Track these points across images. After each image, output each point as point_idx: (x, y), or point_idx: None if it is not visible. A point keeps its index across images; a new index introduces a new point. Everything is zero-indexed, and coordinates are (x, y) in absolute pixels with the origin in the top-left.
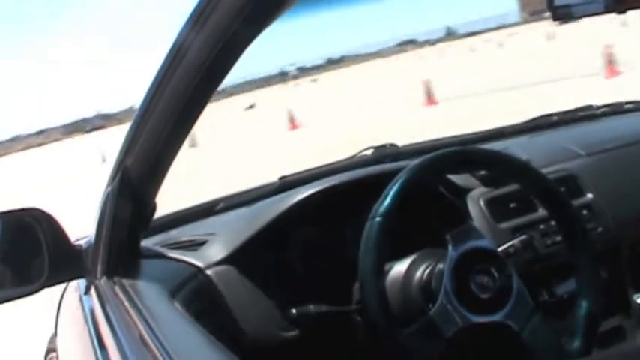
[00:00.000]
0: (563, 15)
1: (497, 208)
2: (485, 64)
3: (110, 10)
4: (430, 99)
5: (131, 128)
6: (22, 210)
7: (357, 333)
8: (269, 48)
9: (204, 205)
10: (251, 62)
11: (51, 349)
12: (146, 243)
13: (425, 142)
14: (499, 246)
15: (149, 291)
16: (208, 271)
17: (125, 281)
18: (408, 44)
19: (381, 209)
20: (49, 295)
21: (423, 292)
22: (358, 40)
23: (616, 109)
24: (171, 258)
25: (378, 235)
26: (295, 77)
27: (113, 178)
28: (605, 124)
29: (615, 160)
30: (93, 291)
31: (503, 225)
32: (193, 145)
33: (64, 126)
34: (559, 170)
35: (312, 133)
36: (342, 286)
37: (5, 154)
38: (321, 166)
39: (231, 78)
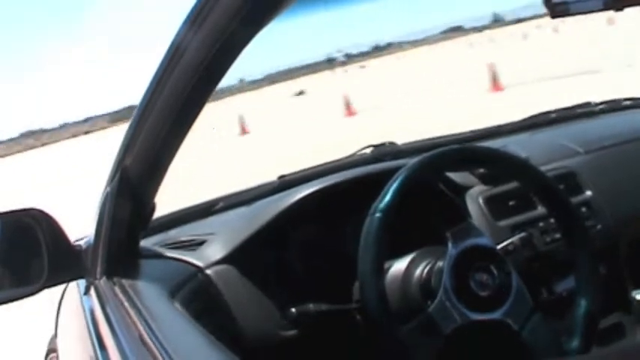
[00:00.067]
0: (560, 12)
1: (496, 206)
2: (543, 50)
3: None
4: (496, 85)
5: (130, 127)
6: (22, 210)
7: (357, 332)
8: (314, 34)
9: (203, 204)
10: (297, 49)
11: (51, 350)
12: (145, 243)
13: (424, 140)
14: (498, 244)
15: (149, 291)
16: (208, 271)
17: (125, 281)
18: (455, 31)
19: (381, 205)
20: (49, 295)
21: (423, 290)
22: (404, 27)
23: (614, 106)
24: (170, 258)
25: (378, 231)
26: (343, 64)
27: (112, 177)
28: (604, 121)
29: (614, 157)
30: (92, 291)
31: (503, 223)
32: (244, 132)
33: (110, 114)
34: (558, 168)
35: (371, 119)
36: (342, 284)
37: (54, 142)
38: (321, 165)
39: (275, 65)
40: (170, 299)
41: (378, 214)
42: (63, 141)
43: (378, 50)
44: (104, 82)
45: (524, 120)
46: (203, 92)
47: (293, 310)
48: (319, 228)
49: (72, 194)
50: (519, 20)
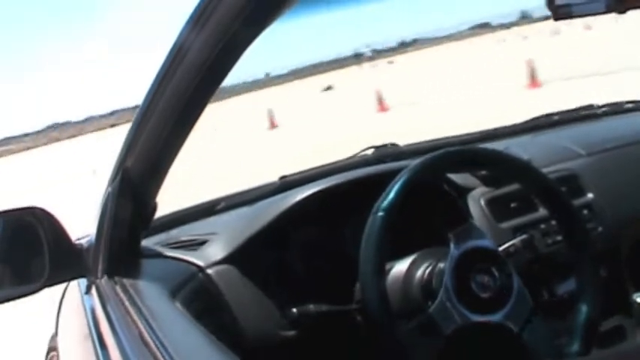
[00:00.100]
0: (563, 14)
1: (497, 208)
2: (576, 47)
3: None
4: (534, 81)
5: (132, 128)
6: (23, 209)
7: (357, 332)
8: (338, 29)
9: (204, 204)
10: (321, 44)
11: (52, 349)
12: (147, 243)
13: (425, 142)
14: (500, 245)
15: (150, 291)
16: (209, 271)
17: (126, 281)
18: (482, 28)
19: (384, 204)
20: (50, 294)
21: (424, 291)
22: (430, 23)
23: (616, 109)
24: (171, 257)
25: (380, 230)
26: (370, 59)
27: (114, 177)
28: (606, 124)
29: (616, 160)
30: (94, 290)
31: (504, 224)
32: (273, 126)
33: (136, 107)
34: (560, 170)
35: (405, 115)
36: (343, 285)
37: (80, 134)
38: (322, 166)
39: (300, 60)
40: (171, 299)
41: (380, 214)
42: (88, 134)
43: (403, 46)
44: (130, 75)
45: (527, 122)
46: (205, 92)
47: (294, 310)
48: (320, 229)
49: (96, 187)
50: (548, 17)
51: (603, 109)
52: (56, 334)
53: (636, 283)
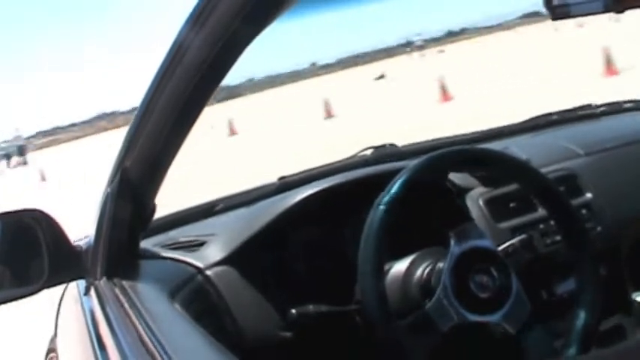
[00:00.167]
0: (561, 14)
1: (496, 208)
2: None
3: None
4: (610, 68)
5: (130, 128)
6: (22, 211)
7: (357, 333)
8: (390, 18)
9: (203, 205)
10: (370, 33)
11: (51, 350)
12: (146, 244)
13: (424, 142)
14: (498, 245)
15: (149, 292)
16: (208, 272)
17: (125, 282)
18: (532, 16)
19: (386, 199)
20: (49, 295)
21: (423, 290)
22: (479, 12)
23: (615, 109)
24: (170, 259)
25: (379, 229)
26: (420, 48)
27: (112, 178)
28: (605, 123)
29: (615, 160)
30: (93, 292)
31: (503, 225)
32: (330, 116)
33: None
34: (558, 169)
35: (471, 104)
36: (342, 286)
37: (126, 124)
38: (321, 166)
39: (346, 50)
40: (170, 300)
41: (382, 207)
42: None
43: (452, 35)
44: None
45: (525, 122)
46: (204, 92)
47: (293, 311)
48: (319, 229)
49: None
50: None
51: (602, 108)
52: (55, 335)
53: (636, 282)
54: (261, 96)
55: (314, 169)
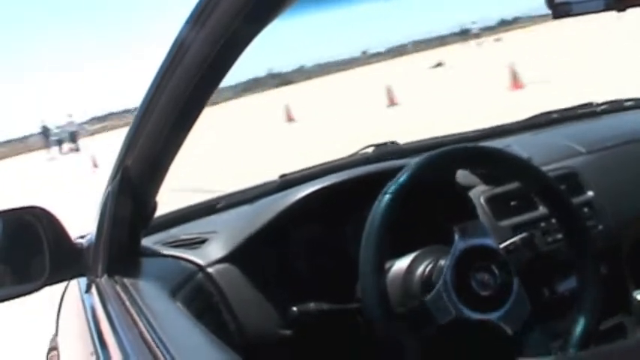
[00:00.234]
0: (562, 12)
1: (497, 206)
2: None
3: None
4: None
5: (132, 126)
6: (23, 208)
7: (358, 331)
8: (442, 6)
9: (205, 203)
10: (425, 21)
11: (52, 348)
12: (147, 241)
13: (425, 140)
14: (500, 244)
15: (150, 289)
16: (209, 270)
17: (126, 280)
18: None
19: (394, 187)
20: (50, 293)
21: (423, 287)
22: (531, 0)
23: (616, 107)
24: (171, 256)
25: (383, 220)
26: (477, 36)
27: (114, 176)
28: (606, 122)
29: (616, 158)
30: (94, 289)
31: (504, 223)
32: (393, 104)
33: (236, 85)
34: (560, 168)
35: (544, 93)
36: (344, 284)
37: None
38: (322, 164)
39: (397, 38)
40: (171, 298)
41: (388, 195)
42: None
43: (505, 24)
44: None
45: (527, 120)
46: (205, 91)
47: (294, 309)
48: (321, 227)
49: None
50: None
51: (603, 106)
52: (56, 333)
53: (636, 280)
54: (313, 83)
55: (315, 166)
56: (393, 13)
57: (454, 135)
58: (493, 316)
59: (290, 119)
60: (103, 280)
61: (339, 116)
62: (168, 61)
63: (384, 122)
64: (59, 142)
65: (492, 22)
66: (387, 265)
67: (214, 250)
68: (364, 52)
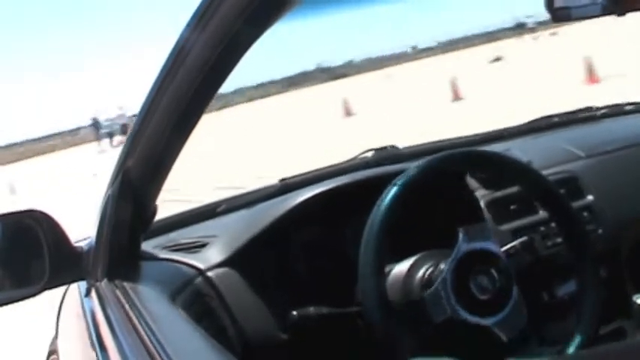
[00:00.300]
0: (562, 17)
1: (497, 210)
2: None
3: None
4: None
5: (133, 129)
6: (23, 212)
7: (358, 335)
8: (493, 1)
9: (204, 207)
10: (476, 16)
11: (52, 352)
12: (147, 245)
13: (425, 144)
14: (500, 248)
15: (150, 293)
16: (209, 274)
17: (126, 284)
18: None
19: (393, 190)
20: (50, 297)
21: (423, 288)
22: None
23: (616, 111)
24: (171, 260)
25: (386, 214)
26: (532, 30)
27: (114, 180)
28: (606, 126)
29: (616, 162)
30: (94, 293)
31: (504, 227)
32: (457, 98)
33: (284, 79)
34: (559, 172)
35: (622, 88)
36: (344, 287)
37: (228, 106)
38: (322, 168)
39: (447, 33)
40: (171, 302)
41: (395, 188)
42: (238, 105)
43: None
44: (279, 48)
45: (527, 124)
46: (206, 94)
47: (294, 313)
48: (320, 231)
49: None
50: None
51: (603, 111)
52: (56, 337)
53: (636, 284)
54: (365, 78)
55: (315, 170)
56: (443, 8)
57: (454, 139)
58: (489, 321)
59: (348, 113)
60: (103, 283)
61: (399, 111)
62: (170, 64)
63: (451, 117)
64: (110, 135)
65: (548, 16)
66: (387, 269)
67: (214, 254)
68: (414, 47)
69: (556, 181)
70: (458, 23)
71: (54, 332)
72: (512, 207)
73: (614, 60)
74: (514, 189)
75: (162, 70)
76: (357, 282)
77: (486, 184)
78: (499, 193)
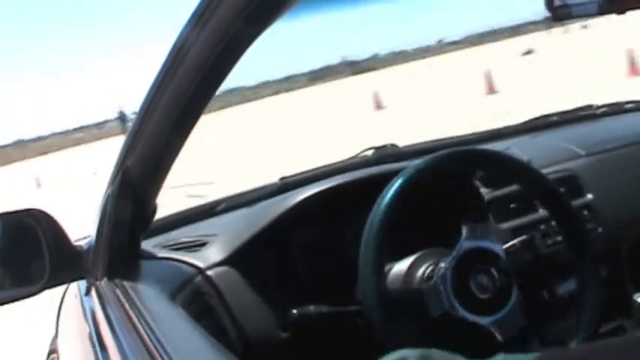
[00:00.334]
0: (562, 15)
1: (497, 209)
2: None
3: None
4: None
5: (132, 128)
6: (22, 211)
7: (357, 334)
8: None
9: (204, 206)
10: (504, 9)
11: (52, 350)
12: (147, 244)
13: (425, 143)
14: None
15: (150, 292)
16: (209, 272)
17: (126, 283)
18: None
19: (393, 189)
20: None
21: (423, 283)
22: None
23: (616, 109)
24: (171, 259)
25: (386, 213)
26: (561, 23)
27: (114, 179)
28: (606, 124)
29: (615, 160)
30: (93, 292)
31: (504, 225)
32: (492, 91)
33: (309, 72)
34: (559, 170)
35: None
36: (344, 286)
37: (254, 99)
38: (322, 167)
39: (472, 27)
40: (171, 300)
41: (387, 198)
42: (264, 98)
43: None
44: (302, 40)
45: (526, 122)
46: (205, 93)
47: (294, 311)
48: (320, 230)
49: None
50: None
51: (603, 109)
52: (56, 335)
53: (636, 283)
54: (390, 71)
55: (315, 169)
56: (469, 2)
57: (454, 138)
58: (486, 320)
59: (379, 107)
60: (103, 282)
61: (432, 104)
62: (169, 63)
63: (486, 110)
64: None
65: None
66: (387, 268)
67: (214, 253)
68: (439, 41)
69: (556, 179)
70: (483, 17)
71: (54, 331)
72: (512, 205)
73: None
74: (514, 188)
75: (161, 69)
76: (357, 281)
77: (486, 183)
78: (499, 192)
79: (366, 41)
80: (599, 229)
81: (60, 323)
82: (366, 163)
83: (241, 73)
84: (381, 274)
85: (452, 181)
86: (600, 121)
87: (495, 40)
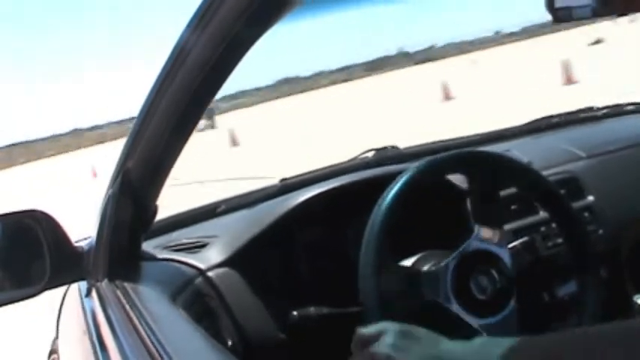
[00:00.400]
0: (563, 17)
1: None
2: None
3: None
4: None
5: (133, 130)
6: (23, 212)
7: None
8: None
9: (205, 207)
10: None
11: (52, 351)
12: (147, 245)
13: (426, 144)
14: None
15: (150, 293)
16: (210, 274)
17: (126, 284)
18: None
19: (393, 191)
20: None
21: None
22: None
23: (617, 111)
24: (172, 260)
25: (387, 214)
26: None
27: (114, 180)
28: (606, 126)
29: (616, 162)
30: (94, 293)
31: (505, 227)
32: (570, 82)
33: (366, 63)
34: (560, 172)
35: None
36: (344, 288)
37: (311, 89)
38: (323, 168)
39: (529, 19)
40: (171, 302)
41: (388, 199)
42: (320, 89)
43: None
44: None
45: (527, 124)
46: (206, 95)
47: (294, 313)
48: (321, 231)
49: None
50: None
51: (603, 111)
52: (57, 337)
53: (637, 284)
54: (449, 62)
55: (316, 170)
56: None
57: (454, 139)
58: (478, 321)
59: (447, 97)
60: (104, 284)
61: (504, 95)
62: (170, 65)
63: (564, 102)
64: None
65: None
66: (388, 268)
67: (214, 254)
68: (497, 32)
69: (556, 181)
70: (541, 7)
71: (54, 333)
72: (512, 207)
73: None
74: (515, 189)
75: (162, 71)
76: (357, 282)
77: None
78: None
79: (422, 32)
80: (600, 231)
81: (60, 324)
82: (366, 164)
83: (323, 59)
84: (381, 274)
85: (446, 185)
86: (601, 123)
87: (554, 31)
